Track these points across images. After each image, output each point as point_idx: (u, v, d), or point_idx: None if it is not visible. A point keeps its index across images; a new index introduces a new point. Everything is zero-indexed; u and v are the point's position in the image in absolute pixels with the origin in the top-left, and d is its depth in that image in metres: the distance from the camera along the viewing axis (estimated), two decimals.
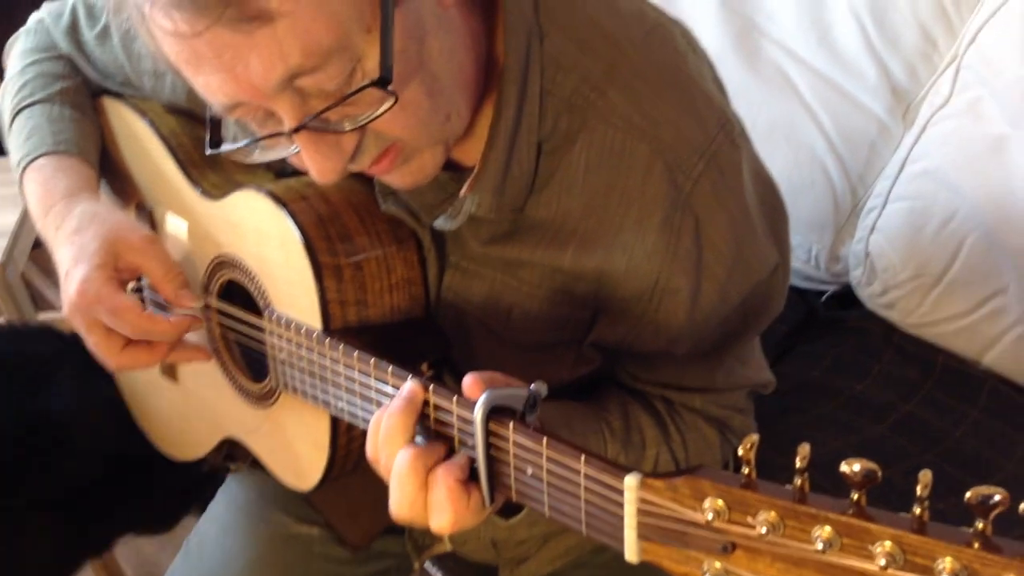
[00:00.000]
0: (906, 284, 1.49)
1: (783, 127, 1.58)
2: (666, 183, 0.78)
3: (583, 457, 0.63)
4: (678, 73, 0.81)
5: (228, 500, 1.13)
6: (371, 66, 0.67)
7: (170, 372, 1.13)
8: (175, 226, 1.05)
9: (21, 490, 1.23)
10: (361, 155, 0.73)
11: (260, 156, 0.75)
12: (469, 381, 0.70)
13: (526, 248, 0.83)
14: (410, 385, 0.73)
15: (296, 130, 0.68)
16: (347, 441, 0.92)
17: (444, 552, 1.15)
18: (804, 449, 0.52)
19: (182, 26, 0.64)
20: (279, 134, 0.70)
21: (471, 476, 0.71)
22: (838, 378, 1.45)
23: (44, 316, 1.96)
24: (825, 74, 1.56)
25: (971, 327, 1.44)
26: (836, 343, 1.53)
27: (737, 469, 0.97)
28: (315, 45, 0.64)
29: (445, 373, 0.92)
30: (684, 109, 0.80)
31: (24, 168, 1.02)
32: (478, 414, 0.68)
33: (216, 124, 0.77)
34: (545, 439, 0.65)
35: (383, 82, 0.66)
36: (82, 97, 1.09)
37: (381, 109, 0.68)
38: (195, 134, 1.04)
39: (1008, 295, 1.38)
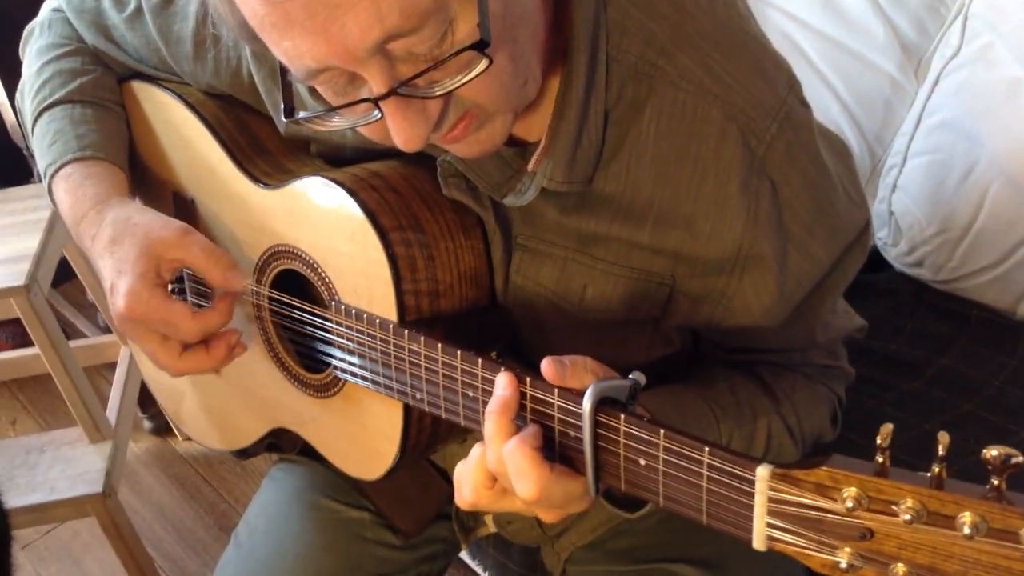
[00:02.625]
0: (933, 240, 1.47)
1: None
2: (741, 147, 0.76)
3: (707, 449, 0.61)
4: (744, 34, 0.79)
5: (275, 490, 1.12)
6: (463, 28, 0.65)
7: None
8: (223, 215, 1.03)
9: None
10: (442, 122, 0.71)
11: (338, 123, 0.74)
12: (546, 365, 0.69)
13: (602, 222, 0.81)
14: (504, 382, 0.72)
15: (384, 96, 0.66)
16: (417, 431, 0.91)
17: (487, 535, 1.14)
18: (945, 438, 0.51)
19: None
20: (365, 101, 0.68)
21: (573, 466, 0.71)
22: (871, 339, 1.41)
23: (75, 344, 1.98)
24: (833, 37, 1.55)
25: (1003, 277, 1.41)
26: (867, 306, 1.49)
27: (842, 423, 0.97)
28: (414, 6, 0.62)
29: (511, 359, 0.90)
30: (754, 70, 0.77)
31: (52, 176, 1.00)
32: (587, 406, 0.66)
33: (289, 91, 0.75)
34: (663, 431, 0.64)
35: (482, 45, 0.64)
36: (103, 91, 1.06)
37: (473, 73, 0.66)
38: (239, 119, 1.02)
39: None
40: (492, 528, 1.11)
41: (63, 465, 1.67)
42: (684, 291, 0.84)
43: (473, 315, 0.89)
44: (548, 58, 0.77)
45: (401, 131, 0.69)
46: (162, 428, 2.22)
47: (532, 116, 0.80)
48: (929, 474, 0.52)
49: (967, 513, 0.50)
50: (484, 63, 0.65)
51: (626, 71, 0.77)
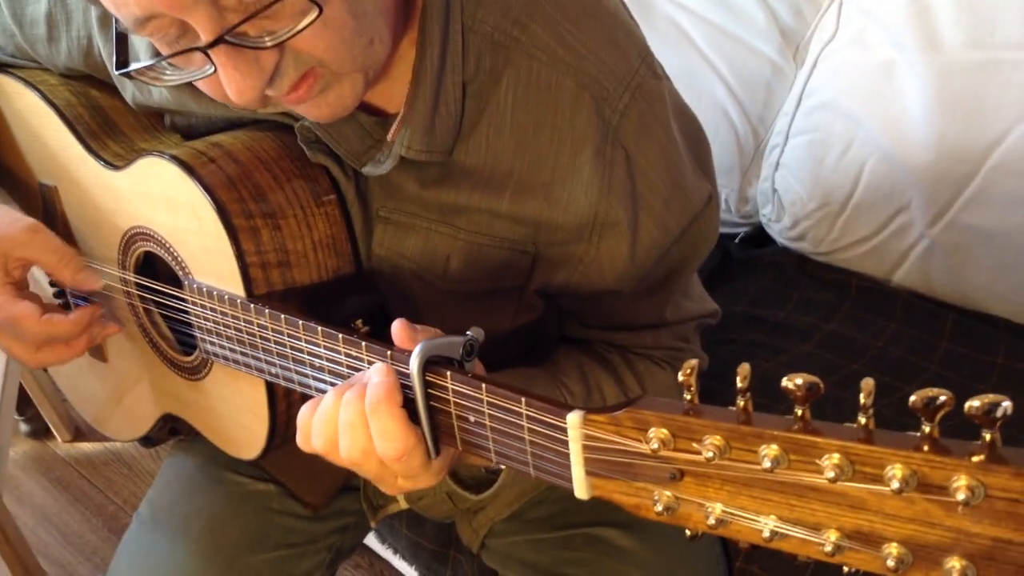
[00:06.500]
0: (814, 214, 1.55)
1: (682, 78, 1.59)
2: (594, 115, 0.79)
3: (524, 399, 0.62)
4: (597, 6, 0.82)
5: (178, 468, 1.10)
6: None
7: (98, 353, 1.10)
8: (82, 200, 1.01)
9: None
10: (280, 78, 0.70)
11: (171, 77, 0.72)
12: (397, 327, 0.69)
13: (462, 193, 0.82)
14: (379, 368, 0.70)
15: (213, 44, 0.65)
16: (287, 406, 0.90)
17: (399, 511, 1.14)
18: (744, 369, 0.50)
19: None
20: (193, 49, 0.66)
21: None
22: (761, 309, 1.50)
23: None
24: (717, 23, 1.61)
25: (879, 247, 1.50)
26: (754, 279, 1.57)
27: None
28: None
29: (379, 327, 0.91)
30: (606, 40, 0.80)
31: None
32: (414, 365, 0.66)
33: (122, 44, 0.73)
34: (484, 385, 0.64)
35: None
36: None
37: (304, 22, 0.65)
38: (92, 103, 1.01)
39: (911, 210, 1.45)
40: (403, 504, 1.12)
41: None
42: (546, 258, 0.85)
43: (335, 284, 0.88)
44: (402, 25, 0.78)
45: (232, 81, 0.67)
46: (40, 431, 2.13)
47: (391, 86, 0.81)
48: (734, 408, 0.51)
49: (772, 446, 0.50)
50: (315, 12, 0.65)
51: (482, 41, 0.78)
